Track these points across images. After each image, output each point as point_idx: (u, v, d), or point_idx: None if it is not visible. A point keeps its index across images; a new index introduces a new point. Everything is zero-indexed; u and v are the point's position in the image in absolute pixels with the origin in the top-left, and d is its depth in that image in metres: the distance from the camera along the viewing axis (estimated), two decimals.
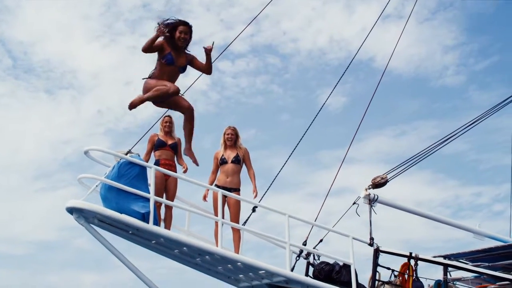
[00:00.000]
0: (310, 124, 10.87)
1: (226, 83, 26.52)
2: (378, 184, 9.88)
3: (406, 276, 9.44)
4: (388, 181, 10.00)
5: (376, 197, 9.74)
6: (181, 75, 9.06)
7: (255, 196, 9.70)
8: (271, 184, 10.22)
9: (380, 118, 25.99)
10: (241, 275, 9.18)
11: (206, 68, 9.04)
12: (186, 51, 8.93)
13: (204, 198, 9.66)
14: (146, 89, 8.77)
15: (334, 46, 27.83)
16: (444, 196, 26.51)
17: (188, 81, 9.58)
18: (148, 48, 8.60)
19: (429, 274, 9.78)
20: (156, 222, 8.38)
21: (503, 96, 11.67)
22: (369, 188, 9.80)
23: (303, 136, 10.74)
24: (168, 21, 8.71)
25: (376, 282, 9.25)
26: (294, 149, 10.67)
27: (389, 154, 26.26)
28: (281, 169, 10.52)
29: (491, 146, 26.33)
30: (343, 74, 11.37)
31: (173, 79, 8.82)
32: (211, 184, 9.62)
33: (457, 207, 25.97)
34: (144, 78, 8.82)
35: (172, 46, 8.74)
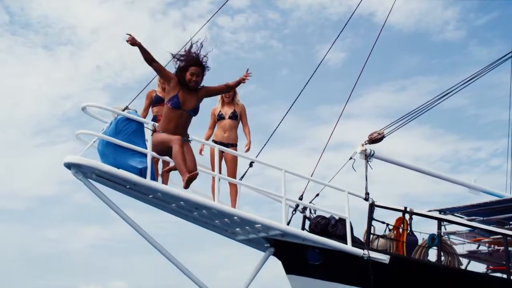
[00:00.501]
0: (309, 79, 10.86)
1: (225, 38, 26.31)
2: (375, 139, 9.96)
3: (400, 230, 9.61)
4: (385, 137, 10.07)
5: (372, 152, 9.82)
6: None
7: (247, 150, 9.82)
8: (269, 138, 10.31)
9: (380, 74, 25.92)
10: (238, 229, 9.34)
11: (228, 88, 8.01)
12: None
13: (200, 152, 9.78)
14: (154, 144, 7.69)
15: (334, 0, 27.50)
16: (443, 151, 26.64)
17: (186, 36, 9.50)
18: (148, 62, 7.42)
19: (424, 228, 9.98)
20: (154, 177, 8.49)
21: (503, 52, 11.68)
22: (365, 144, 9.88)
23: (301, 91, 10.75)
24: (182, 56, 7.44)
25: (371, 235, 9.42)
26: (293, 103, 10.70)
27: (388, 109, 26.29)
28: (280, 123, 10.59)
29: (490, 101, 26.34)
30: (342, 29, 11.29)
31: (184, 124, 7.47)
32: (208, 139, 9.70)
33: (456, 161, 26.12)
34: (153, 131, 7.60)
35: (182, 84, 7.45)
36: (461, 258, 10.50)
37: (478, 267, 11.41)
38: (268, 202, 10.29)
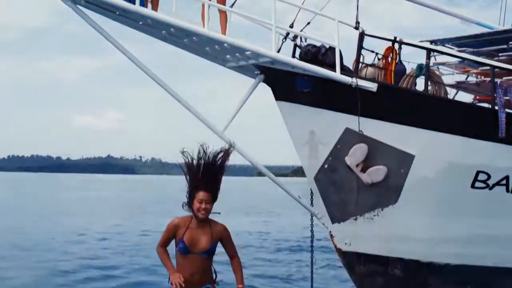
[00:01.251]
0: None
1: None
2: None
3: (389, 59, 9.72)
4: None
5: None
6: None
7: None
8: None
9: None
10: (228, 56, 9.43)
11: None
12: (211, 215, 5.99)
13: None
14: None
15: None
16: None
17: None
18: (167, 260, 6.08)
19: (415, 59, 10.04)
20: (143, 3, 8.49)
21: None
22: None
23: None
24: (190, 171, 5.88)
25: (360, 64, 9.54)
26: None
27: None
28: None
29: None
30: None
31: (199, 269, 5.88)
32: None
33: None
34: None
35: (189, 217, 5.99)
36: (448, 89, 10.68)
37: (465, 98, 11.68)
38: (261, 32, 10.26)
